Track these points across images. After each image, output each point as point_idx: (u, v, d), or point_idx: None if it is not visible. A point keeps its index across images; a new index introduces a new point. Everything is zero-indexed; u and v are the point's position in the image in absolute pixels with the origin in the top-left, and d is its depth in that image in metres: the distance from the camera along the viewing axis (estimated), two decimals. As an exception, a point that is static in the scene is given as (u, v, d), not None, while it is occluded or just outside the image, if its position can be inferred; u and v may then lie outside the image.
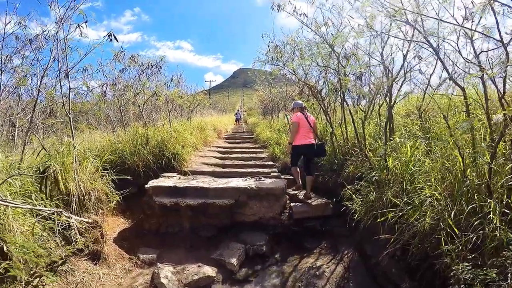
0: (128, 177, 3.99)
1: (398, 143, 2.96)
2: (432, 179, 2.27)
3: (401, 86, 3.69)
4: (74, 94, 5.53)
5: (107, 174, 3.68)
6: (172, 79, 5.50)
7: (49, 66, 3.41)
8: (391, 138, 3.21)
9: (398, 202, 2.43)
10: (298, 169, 4.37)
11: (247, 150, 7.75)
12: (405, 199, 2.39)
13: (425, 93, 3.64)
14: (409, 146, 2.70)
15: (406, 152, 2.73)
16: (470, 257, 1.78)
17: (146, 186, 3.91)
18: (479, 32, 2.12)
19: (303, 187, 4.32)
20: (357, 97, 4.20)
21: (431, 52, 2.66)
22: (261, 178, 3.96)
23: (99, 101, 5.50)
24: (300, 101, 4.49)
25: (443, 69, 3.65)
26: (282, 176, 4.69)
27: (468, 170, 2.12)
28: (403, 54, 3.11)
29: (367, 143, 3.81)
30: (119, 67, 5.42)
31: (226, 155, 6.82)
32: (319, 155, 4.35)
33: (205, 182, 3.89)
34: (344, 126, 4.65)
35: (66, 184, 3.11)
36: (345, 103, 4.17)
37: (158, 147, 4.73)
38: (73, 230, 2.73)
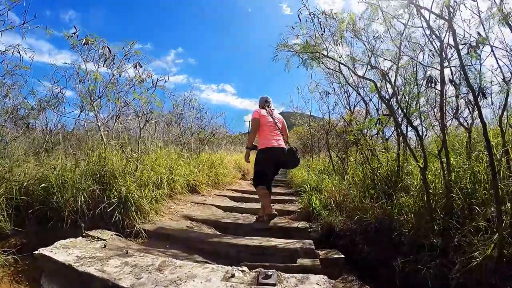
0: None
1: None
2: None
3: None
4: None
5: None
6: (155, 85, 3.58)
7: None
8: None
9: None
10: (266, 190, 3.21)
11: (272, 198, 5.42)
12: None
13: None
14: None
15: None
16: None
17: (35, 252, 2.03)
18: None
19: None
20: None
21: None
22: (269, 275, 1.59)
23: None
24: (265, 96, 3.53)
25: None
26: (322, 253, 2.29)
27: None
28: None
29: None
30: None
31: (238, 204, 4.66)
32: (295, 164, 3.39)
33: (135, 272, 1.74)
34: (445, 156, 2.30)
35: None
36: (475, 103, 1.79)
37: (102, 182, 2.82)
38: None
